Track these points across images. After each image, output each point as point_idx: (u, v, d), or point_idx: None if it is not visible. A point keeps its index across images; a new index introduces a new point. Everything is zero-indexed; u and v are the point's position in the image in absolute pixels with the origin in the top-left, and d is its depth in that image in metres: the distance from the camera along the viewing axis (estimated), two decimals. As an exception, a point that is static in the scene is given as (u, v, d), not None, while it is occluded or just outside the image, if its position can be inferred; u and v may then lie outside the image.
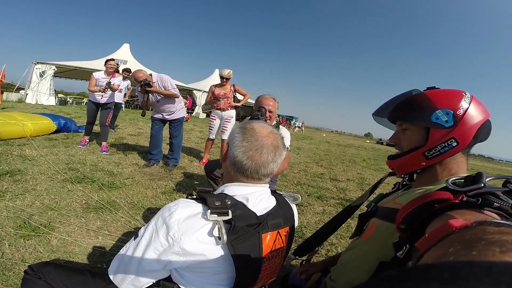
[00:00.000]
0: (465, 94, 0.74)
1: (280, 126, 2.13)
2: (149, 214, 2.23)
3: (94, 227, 1.90)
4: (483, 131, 0.74)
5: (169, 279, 0.76)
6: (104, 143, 4.08)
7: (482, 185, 0.50)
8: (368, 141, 36.75)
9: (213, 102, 4.01)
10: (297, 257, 1.17)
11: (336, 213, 1.14)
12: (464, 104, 0.73)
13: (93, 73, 4.11)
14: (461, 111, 0.72)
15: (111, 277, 0.73)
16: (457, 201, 0.49)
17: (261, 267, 0.74)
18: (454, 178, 0.57)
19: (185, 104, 3.99)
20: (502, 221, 0.33)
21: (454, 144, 0.74)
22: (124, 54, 15.71)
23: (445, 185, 0.57)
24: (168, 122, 3.69)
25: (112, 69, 4.11)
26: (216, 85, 4.01)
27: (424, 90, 0.81)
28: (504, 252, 0.23)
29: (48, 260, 1.49)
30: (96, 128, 4.52)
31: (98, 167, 3.25)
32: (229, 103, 3.97)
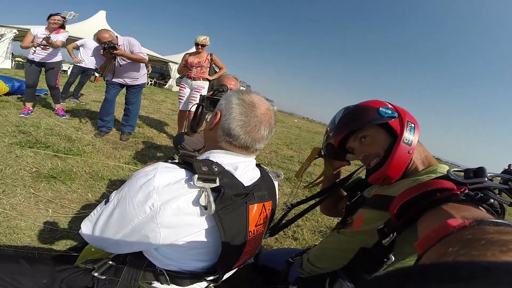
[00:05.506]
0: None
1: None
2: (110, 185, 2.09)
3: (44, 199, 1.73)
4: None
5: (138, 254, 0.68)
6: (58, 106, 3.66)
7: (486, 179, 0.51)
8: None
9: (184, 71, 3.70)
10: (268, 234, 1.16)
11: (304, 197, 1.14)
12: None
13: (31, 29, 3.46)
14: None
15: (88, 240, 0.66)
16: (458, 192, 0.50)
17: (246, 240, 0.70)
18: (454, 170, 0.57)
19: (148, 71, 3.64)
20: (501, 221, 0.34)
21: (413, 125, 0.77)
22: (99, 23, 13.99)
23: (438, 174, 0.57)
24: (125, 87, 3.35)
25: (56, 25, 3.48)
26: (191, 54, 3.69)
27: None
28: (504, 252, 0.23)
29: None
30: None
31: (54, 131, 2.95)
32: (202, 72, 3.63)
